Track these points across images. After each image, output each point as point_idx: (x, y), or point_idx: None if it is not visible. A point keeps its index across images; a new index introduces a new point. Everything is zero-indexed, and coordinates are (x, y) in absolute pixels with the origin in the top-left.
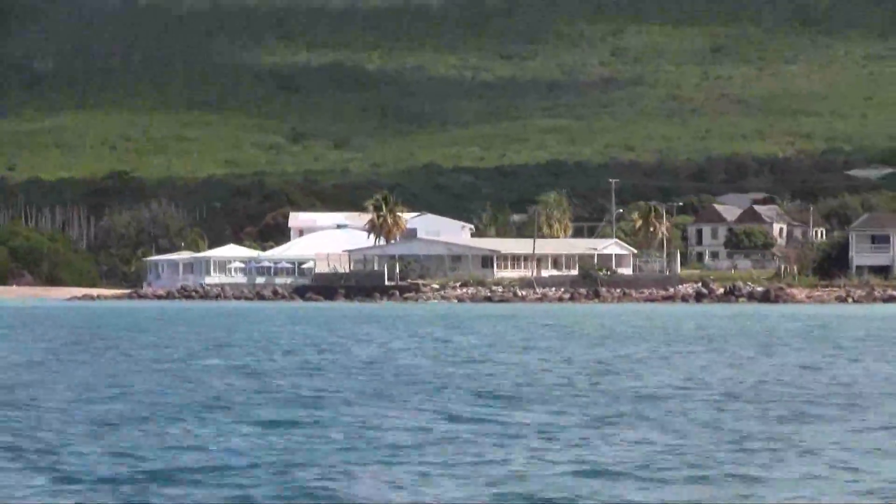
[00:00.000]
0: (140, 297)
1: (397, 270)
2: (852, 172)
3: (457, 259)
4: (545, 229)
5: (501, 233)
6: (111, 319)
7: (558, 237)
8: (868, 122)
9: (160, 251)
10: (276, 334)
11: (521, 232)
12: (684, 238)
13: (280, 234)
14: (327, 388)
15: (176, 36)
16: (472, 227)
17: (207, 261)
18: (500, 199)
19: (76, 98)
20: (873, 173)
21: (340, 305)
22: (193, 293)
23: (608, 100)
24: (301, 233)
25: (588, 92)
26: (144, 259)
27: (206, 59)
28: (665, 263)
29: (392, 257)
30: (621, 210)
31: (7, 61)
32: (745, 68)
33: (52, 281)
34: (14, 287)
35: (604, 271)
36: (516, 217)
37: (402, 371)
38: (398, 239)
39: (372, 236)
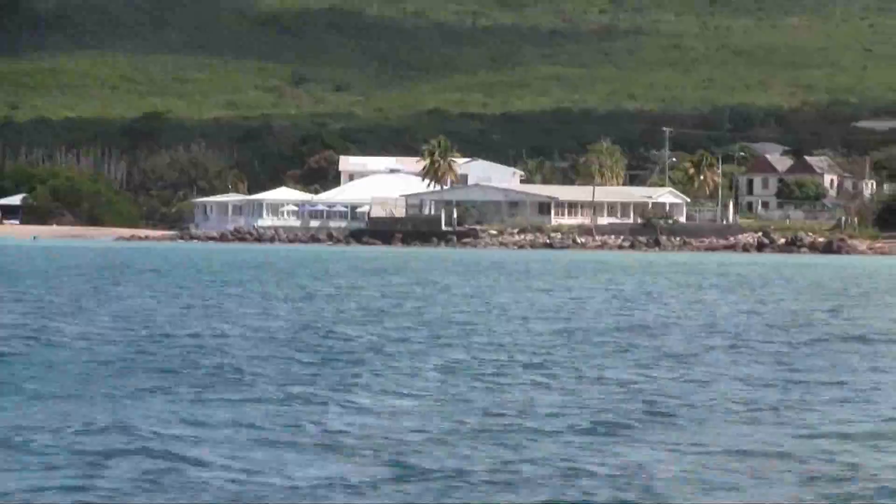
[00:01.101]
0: (192, 238)
1: (454, 216)
2: (859, 124)
3: (513, 205)
4: (597, 178)
5: (548, 180)
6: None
7: (609, 186)
8: (868, 75)
9: (200, 193)
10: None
11: (565, 179)
12: (731, 188)
13: (322, 177)
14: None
15: None
16: (523, 173)
17: (260, 203)
18: (540, 147)
19: (76, 39)
20: (878, 125)
21: (408, 250)
22: (247, 235)
23: (608, 48)
24: (351, 177)
25: (588, 40)
26: (192, 201)
27: (203, 1)
28: (719, 213)
29: (448, 202)
30: (674, 158)
31: (6, 1)
32: (744, 20)
33: (93, 221)
34: (54, 226)
35: (664, 220)
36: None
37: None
38: (449, 184)
39: (426, 181)
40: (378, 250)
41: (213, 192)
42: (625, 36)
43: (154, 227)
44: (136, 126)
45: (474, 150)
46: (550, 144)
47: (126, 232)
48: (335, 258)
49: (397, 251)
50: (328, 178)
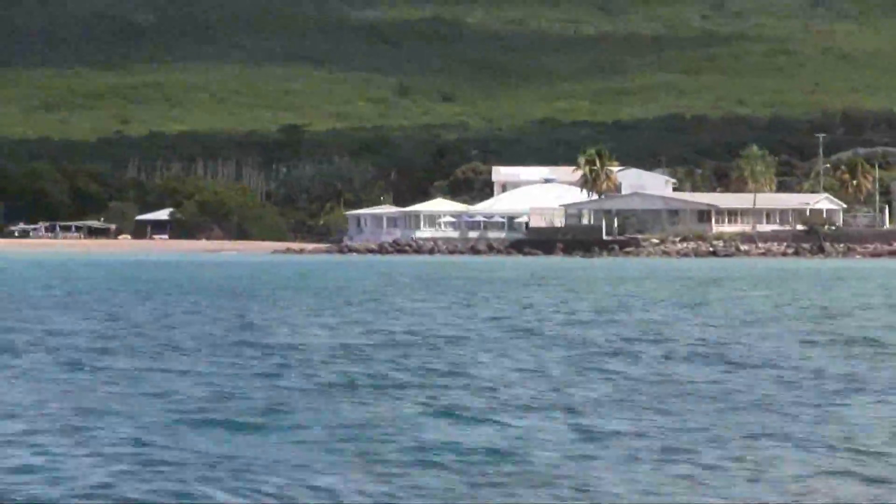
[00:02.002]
0: (350, 250)
1: (615, 225)
2: None
3: (673, 213)
4: (750, 184)
5: (696, 187)
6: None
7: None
8: None
9: (347, 206)
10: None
11: (714, 186)
12: (883, 193)
13: (469, 188)
14: None
15: None
16: (675, 181)
17: (417, 215)
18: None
19: (177, 51)
20: None
21: (573, 260)
22: (406, 247)
23: (711, 54)
24: (504, 187)
25: (690, 47)
26: (345, 213)
27: (303, 12)
28: (877, 218)
29: (608, 211)
30: (828, 164)
31: (108, 14)
32: (846, 23)
33: (241, 235)
34: (203, 241)
35: (826, 226)
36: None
37: None
38: (605, 194)
39: (583, 190)
40: (551, 261)
41: (360, 204)
42: (727, 41)
43: (302, 239)
44: (277, 139)
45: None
46: (664, 151)
47: (280, 245)
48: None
49: (576, 261)
50: (474, 188)
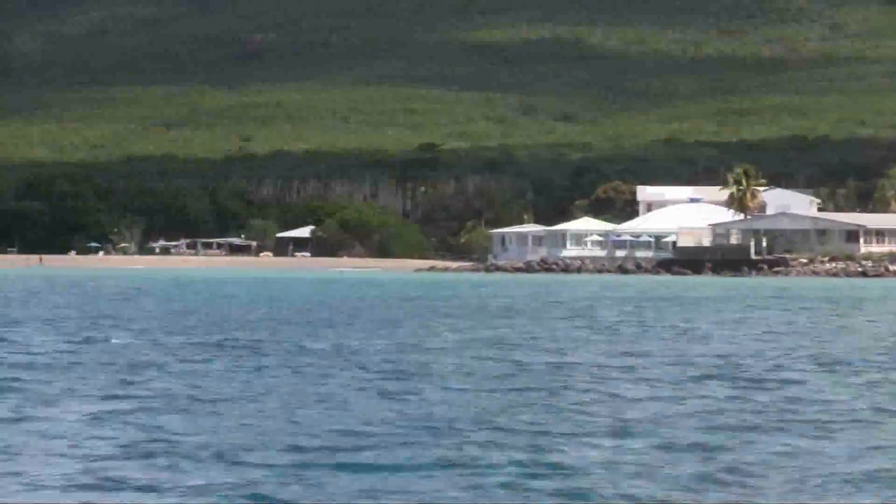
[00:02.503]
0: (496, 268)
1: (764, 244)
2: None
3: (821, 233)
4: (893, 204)
5: (840, 207)
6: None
7: None
8: None
9: (488, 224)
10: None
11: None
12: None
13: (610, 206)
14: None
15: (390, 10)
16: (819, 201)
17: (563, 233)
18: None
19: (295, 71)
20: None
21: (721, 280)
22: (553, 266)
23: (830, 75)
24: (649, 207)
25: (809, 68)
26: (489, 231)
27: (424, 32)
28: None
29: (756, 231)
30: None
31: (227, 35)
32: None
33: (383, 253)
34: (345, 258)
35: None
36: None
37: None
38: (751, 214)
39: (730, 210)
40: (701, 280)
41: (498, 222)
42: (846, 62)
43: (443, 257)
44: (412, 157)
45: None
46: (791, 171)
47: (423, 263)
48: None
49: (733, 281)
50: (615, 207)
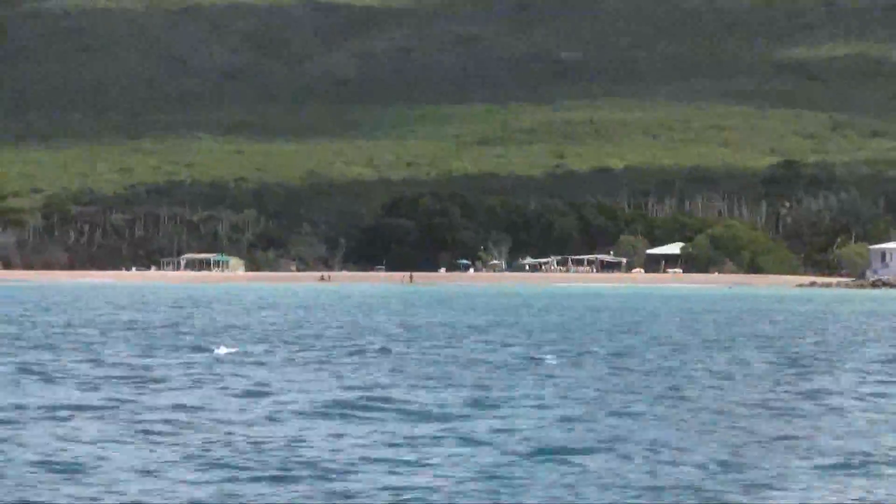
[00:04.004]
0: (883, 284)
1: None
2: None
3: None
4: None
5: None
6: None
7: None
8: None
9: (857, 240)
10: None
11: None
12: None
13: None
14: None
15: (691, 31)
16: None
17: None
18: None
19: (603, 88)
20: None
21: None
22: None
23: None
24: None
25: None
26: (869, 247)
27: (731, 51)
28: None
29: None
30: None
31: (537, 52)
32: None
33: (754, 269)
34: (716, 275)
35: None
36: None
37: None
38: None
39: None
40: None
41: (867, 238)
42: None
43: (807, 273)
44: (775, 174)
45: None
46: None
47: (801, 279)
48: None
49: None
50: None
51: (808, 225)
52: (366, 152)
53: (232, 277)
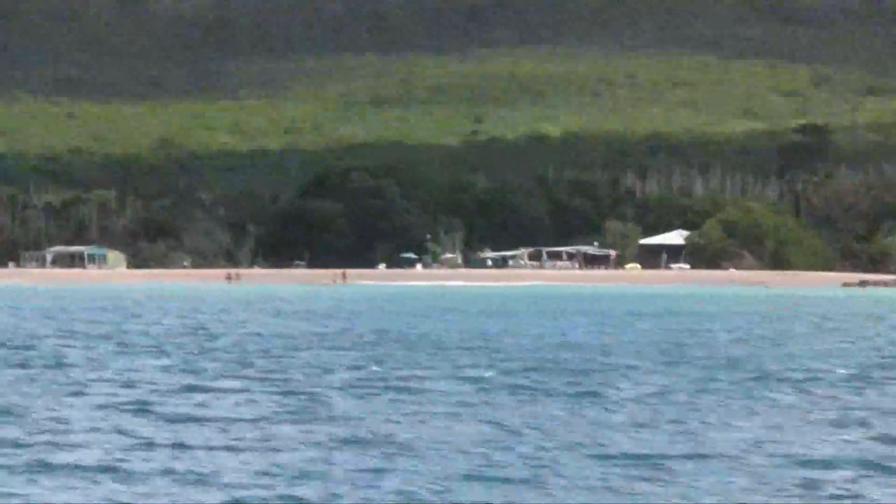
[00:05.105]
0: None
1: None
2: None
3: None
4: None
5: None
6: None
7: None
8: None
9: None
10: None
11: None
12: None
13: None
14: None
15: None
16: None
17: None
18: None
19: (528, 34)
20: None
21: None
22: None
23: None
24: None
25: None
26: None
27: None
28: None
29: None
30: None
31: None
32: None
33: (778, 263)
34: (731, 271)
35: None
36: None
37: None
38: None
39: None
40: None
41: None
42: None
43: (852, 269)
44: (793, 142)
45: None
46: None
47: (847, 277)
48: None
49: None
50: None
51: (843, 207)
52: (230, 116)
53: (116, 276)
